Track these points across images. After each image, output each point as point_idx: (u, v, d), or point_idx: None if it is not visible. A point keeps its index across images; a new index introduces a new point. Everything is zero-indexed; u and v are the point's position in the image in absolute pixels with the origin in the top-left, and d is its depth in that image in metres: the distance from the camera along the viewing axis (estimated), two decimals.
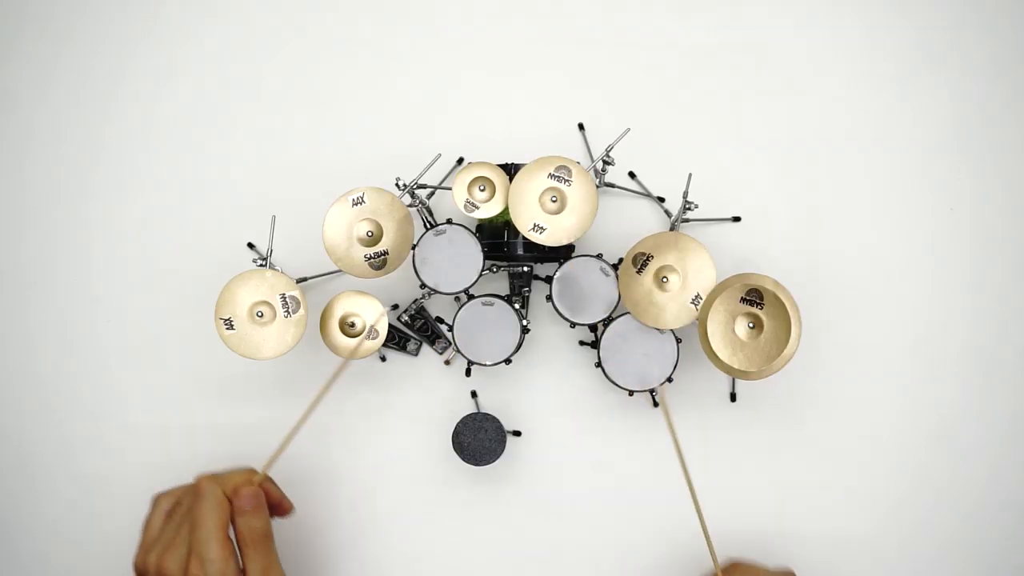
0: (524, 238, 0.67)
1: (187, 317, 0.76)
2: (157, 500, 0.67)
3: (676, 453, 0.63)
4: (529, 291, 0.73)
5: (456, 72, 0.78)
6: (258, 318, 0.67)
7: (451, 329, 0.69)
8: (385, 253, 0.67)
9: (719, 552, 0.66)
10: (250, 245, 0.77)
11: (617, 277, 0.68)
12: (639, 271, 0.67)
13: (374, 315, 0.69)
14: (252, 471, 0.65)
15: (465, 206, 0.68)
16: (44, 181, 0.78)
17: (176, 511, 0.65)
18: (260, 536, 0.63)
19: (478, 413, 0.70)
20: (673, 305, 0.67)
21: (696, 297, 0.67)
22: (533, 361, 0.75)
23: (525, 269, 0.72)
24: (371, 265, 0.67)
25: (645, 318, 0.67)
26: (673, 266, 0.67)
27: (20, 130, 0.79)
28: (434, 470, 0.75)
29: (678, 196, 0.71)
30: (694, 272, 0.67)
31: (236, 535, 0.63)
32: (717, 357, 0.65)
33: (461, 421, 0.70)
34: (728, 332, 0.65)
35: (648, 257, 0.67)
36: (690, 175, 0.68)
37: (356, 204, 0.67)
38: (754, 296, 0.65)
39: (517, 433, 0.75)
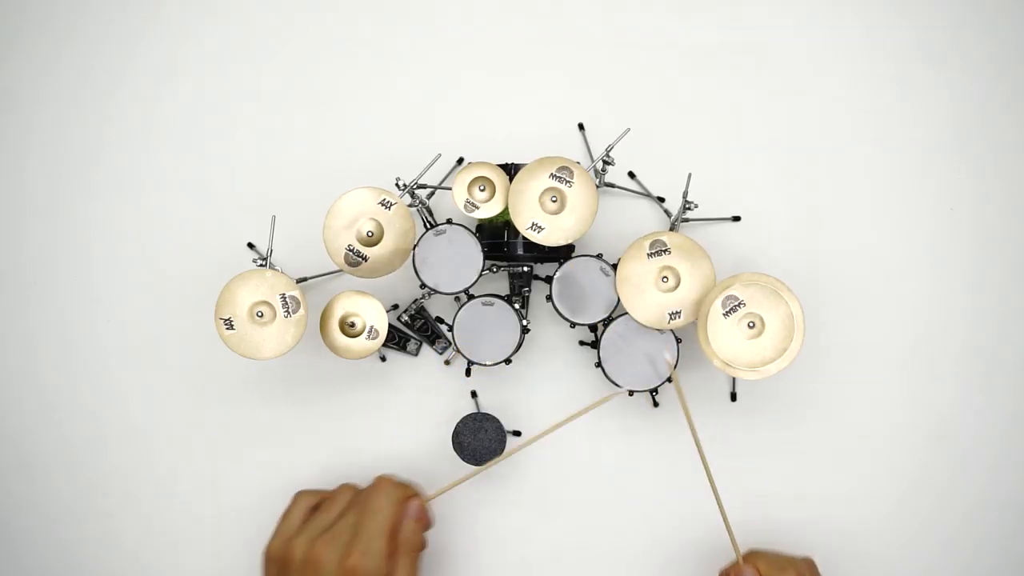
0: (524, 238, 0.67)
1: (187, 317, 0.76)
2: (299, 495, 0.68)
3: (692, 435, 0.64)
4: (529, 291, 0.73)
5: (456, 72, 0.78)
6: (258, 318, 0.67)
7: (451, 329, 0.69)
8: (364, 258, 0.67)
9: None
10: (250, 245, 0.77)
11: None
12: (651, 256, 0.67)
13: (374, 315, 0.69)
14: (421, 491, 0.67)
15: (465, 206, 0.68)
16: (44, 181, 0.78)
17: (327, 506, 0.66)
18: (417, 548, 0.65)
19: (478, 413, 0.70)
20: (655, 304, 0.67)
21: (675, 313, 0.67)
22: (533, 361, 0.75)
23: (525, 269, 0.72)
24: (346, 259, 0.66)
25: (624, 297, 0.67)
26: (679, 273, 0.67)
27: (20, 130, 0.79)
28: (434, 470, 0.75)
29: (678, 196, 0.71)
30: (693, 280, 0.67)
31: (395, 540, 0.64)
32: (717, 357, 0.65)
33: (461, 421, 0.70)
34: (728, 332, 0.65)
35: (665, 250, 0.67)
36: (690, 175, 0.68)
37: (382, 205, 0.66)
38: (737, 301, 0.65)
39: (517, 433, 0.75)
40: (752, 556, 0.66)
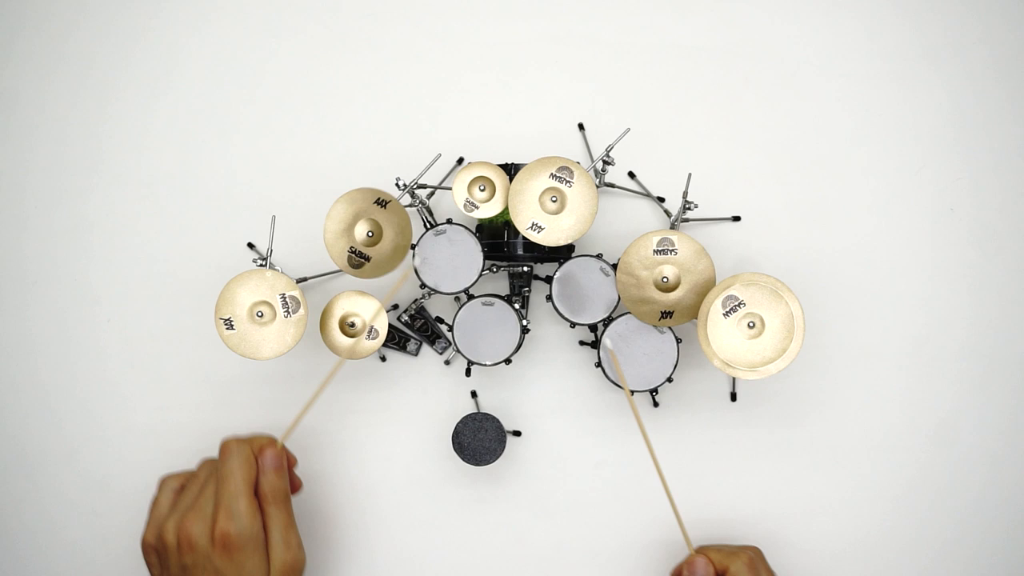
0: (524, 238, 0.67)
1: (187, 317, 0.76)
2: (164, 480, 0.68)
3: (634, 415, 0.65)
4: (529, 291, 0.73)
5: (456, 72, 0.78)
6: (258, 318, 0.67)
7: (451, 329, 0.69)
8: (367, 259, 0.67)
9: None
10: (250, 245, 0.77)
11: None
12: (656, 253, 0.67)
13: (374, 315, 0.69)
14: (273, 438, 0.67)
15: (465, 206, 0.68)
16: (44, 181, 0.78)
17: (190, 484, 0.67)
18: (282, 496, 0.65)
19: (478, 413, 0.70)
20: (647, 302, 0.67)
21: (666, 313, 0.67)
22: (533, 361, 0.75)
23: (525, 269, 0.72)
24: (349, 260, 0.66)
25: (623, 288, 0.67)
26: (681, 278, 0.67)
27: (20, 130, 0.79)
28: (434, 470, 0.75)
29: (678, 196, 0.71)
30: (693, 284, 0.67)
31: (259, 494, 0.65)
32: (717, 357, 0.65)
33: (461, 421, 0.70)
34: (728, 332, 0.65)
35: (672, 251, 0.67)
36: (690, 175, 0.68)
37: (378, 204, 0.66)
38: (737, 301, 0.65)
39: (517, 433, 0.75)
40: (702, 549, 0.68)
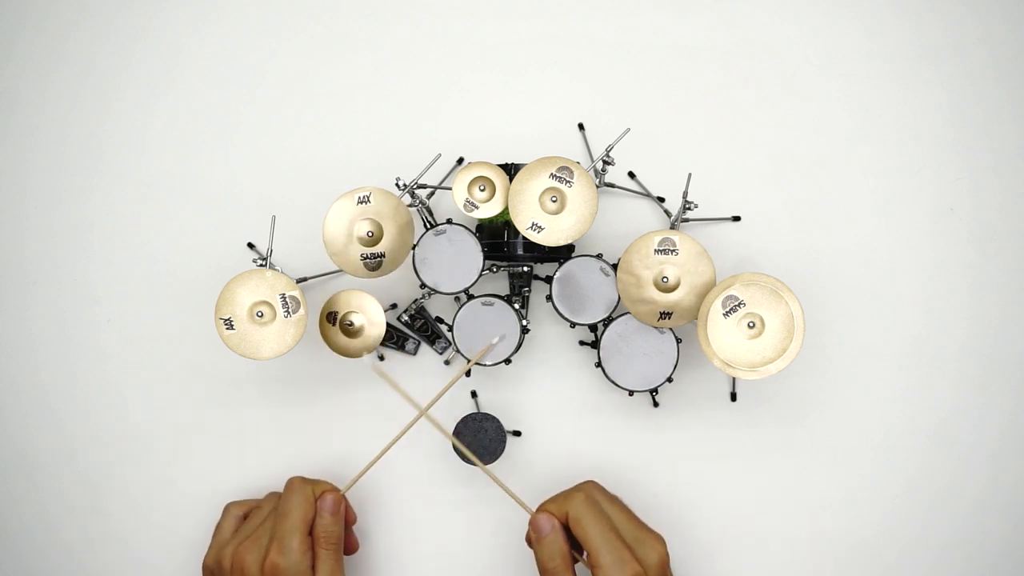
0: (524, 238, 0.67)
1: (187, 317, 0.76)
2: (228, 507, 0.72)
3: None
4: (529, 291, 0.73)
5: (456, 72, 0.78)
6: (258, 318, 0.67)
7: (451, 329, 0.69)
8: (382, 255, 0.67)
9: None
10: (250, 245, 0.77)
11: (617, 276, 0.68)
12: (656, 252, 0.67)
13: (374, 315, 0.69)
14: (336, 487, 0.69)
15: (465, 206, 0.68)
16: (44, 181, 0.78)
17: (254, 514, 0.70)
18: (335, 540, 0.67)
19: (478, 413, 0.70)
20: (647, 302, 0.67)
21: (665, 313, 0.67)
22: (533, 361, 0.75)
23: (525, 269, 0.72)
24: (366, 265, 0.66)
25: (623, 287, 0.67)
26: (681, 280, 0.67)
27: (20, 130, 0.79)
28: (434, 470, 0.75)
29: (678, 196, 0.71)
30: (693, 284, 0.66)
31: (313, 536, 0.67)
32: (717, 357, 0.65)
33: (461, 421, 0.70)
34: (728, 332, 0.65)
35: (673, 251, 0.67)
36: (690, 175, 0.68)
37: (361, 202, 0.66)
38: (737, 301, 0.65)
39: (517, 433, 0.75)
40: (540, 507, 0.68)
